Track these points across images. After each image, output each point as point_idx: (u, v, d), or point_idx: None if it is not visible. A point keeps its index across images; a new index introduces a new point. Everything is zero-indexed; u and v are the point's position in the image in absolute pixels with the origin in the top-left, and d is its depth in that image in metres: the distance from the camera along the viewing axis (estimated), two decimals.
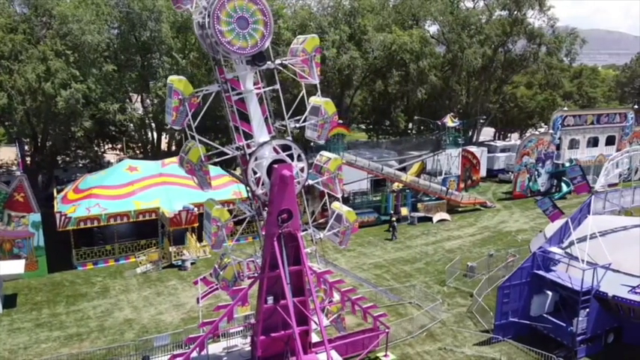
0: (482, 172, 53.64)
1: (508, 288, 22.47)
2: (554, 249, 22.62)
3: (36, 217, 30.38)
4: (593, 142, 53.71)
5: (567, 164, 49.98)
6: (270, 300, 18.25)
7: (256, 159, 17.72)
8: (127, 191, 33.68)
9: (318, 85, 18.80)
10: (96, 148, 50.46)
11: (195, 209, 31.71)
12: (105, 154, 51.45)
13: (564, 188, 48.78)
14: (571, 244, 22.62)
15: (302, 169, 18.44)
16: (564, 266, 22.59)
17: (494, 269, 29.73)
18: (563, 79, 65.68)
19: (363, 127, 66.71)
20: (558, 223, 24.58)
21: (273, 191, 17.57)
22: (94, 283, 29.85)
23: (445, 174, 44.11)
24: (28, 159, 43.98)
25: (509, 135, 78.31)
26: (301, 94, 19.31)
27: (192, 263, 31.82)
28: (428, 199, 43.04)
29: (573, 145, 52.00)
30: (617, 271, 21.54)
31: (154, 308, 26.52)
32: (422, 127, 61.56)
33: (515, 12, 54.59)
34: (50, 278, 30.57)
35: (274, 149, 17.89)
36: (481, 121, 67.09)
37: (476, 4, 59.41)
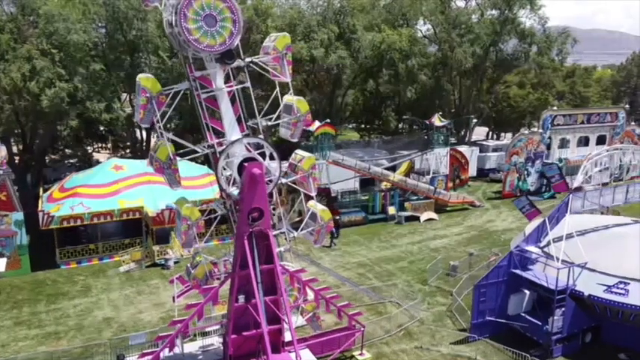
0: (473, 172, 53.59)
1: (485, 287, 22.46)
2: (531, 248, 22.59)
3: (19, 215, 30.36)
4: (584, 142, 53.68)
5: (558, 164, 50.00)
6: (242, 299, 18.24)
7: (227, 157, 17.69)
8: (112, 190, 33.64)
9: (291, 84, 18.77)
10: (87, 147, 50.57)
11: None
12: (94, 153, 51.48)
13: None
14: (548, 243, 22.58)
15: (274, 168, 18.40)
16: (541, 265, 22.57)
17: (476, 268, 29.75)
18: (556, 78, 65.65)
19: (354, 127, 66.59)
20: (537, 221, 24.55)
21: (244, 190, 17.55)
22: (76, 281, 29.83)
23: (433, 173, 44.07)
24: (17, 158, 43.98)
25: (503, 134, 78.32)
26: (275, 93, 19.27)
27: (175, 262, 31.78)
28: (416, 198, 43.01)
29: (564, 144, 51.97)
30: (594, 270, 21.50)
31: (134, 307, 26.50)
32: (414, 127, 61.62)
33: (506, 11, 54.53)
34: (33, 277, 30.56)
35: (247, 147, 17.85)
36: (474, 120, 67.13)
37: (468, 4, 59.54)
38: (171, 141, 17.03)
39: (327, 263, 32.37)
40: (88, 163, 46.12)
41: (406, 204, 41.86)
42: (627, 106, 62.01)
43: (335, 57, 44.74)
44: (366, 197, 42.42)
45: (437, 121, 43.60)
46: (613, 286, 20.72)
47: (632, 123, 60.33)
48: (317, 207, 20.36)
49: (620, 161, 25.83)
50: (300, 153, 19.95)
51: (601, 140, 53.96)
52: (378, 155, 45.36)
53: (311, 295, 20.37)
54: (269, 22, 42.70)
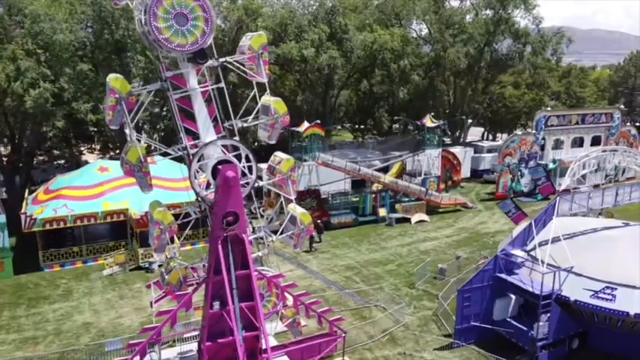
0: (466, 173, 53.17)
1: (469, 291, 22.00)
2: (516, 252, 22.13)
3: (1, 218, 29.92)
4: (579, 143, 53.21)
5: (551, 165, 49.58)
6: (217, 305, 17.75)
7: (202, 159, 17.23)
8: (97, 192, 33.18)
9: (267, 84, 18.29)
10: (76, 149, 50.06)
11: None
12: (83, 155, 51.00)
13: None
14: (535, 246, 22.12)
15: (250, 170, 17.93)
16: (527, 269, 22.09)
17: (464, 272, 29.29)
18: (551, 78, 65.16)
19: (349, 127, 66.11)
20: (525, 224, 24.09)
21: (218, 193, 17.08)
22: (59, 285, 29.37)
23: (425, 175, 43.60)
24: (5, 159, 43.48)
25: (499, 135, 77.89)
26: (252, 93, 18.81)
27: (159, 265, 31.23)
28: (407, 199, 42.56)
29: (558, 145, 51.51)
30: (580, 275, 21.03)
31: (114, 312, 26.04)
32: (409, 127, 61.12)
33: (500, 11, 54.06)
34: (15, 280, 30.13)
35: (222, 149, 17.38)
36: (469, 121, 66.64)
37: (463, 4, 59.04)
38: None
39: (315, 266, 31.92)
40: (76, 164, 45.64)
41: (397, 206, 41.44)
42: (622, 106, 61.30)
43: (326, 57, 44.26)
44: (357, 199, 41.97)
45: (428, 122, 43.14)
46: (599, 291, 20.25)
47: (628, 124, 59.71)
48: (297, 210, 19.88)
49: (609, 163, 25.35)
50: (279, 155, 19.46)
51: (596, 141, 53.52)
52: (371, 156, 44.97)
53: (291, 301, 19.91)
54: (259, 22, 42.23)
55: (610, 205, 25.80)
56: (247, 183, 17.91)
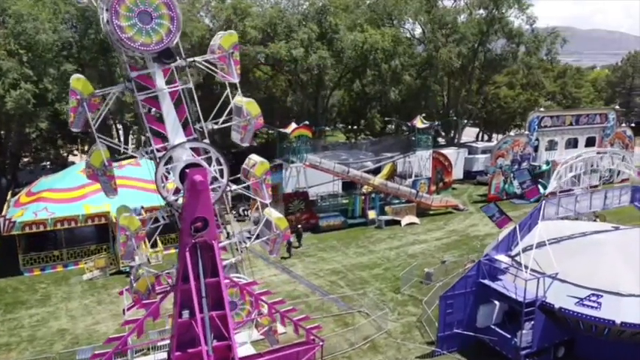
0: (459, 174, 52.55)
1: (452, 298, 21.37)
2: (500, 257, 21.51)
3: None
4: (573, 144, 52.55)
5: (544, 166, 48.97)
6: (186, 314, 17.13)
7: (171, 162, 16.62)
8: (78, 194, 32.53)
9: (238, 85, 17.67)
10: (64, 150, 49.43)
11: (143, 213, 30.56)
12: (75, 155, 50.36)
13: (541, 190, 47.58)
14: (519, 252, 21.51)
15: (221, 174, 17.32)
16: (511, 275, 21.48)
17: (450, 276, 28.67)
18: (546, 79, 64.52)
19: (342, 128, 65.48)
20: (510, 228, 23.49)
21: (186, 198, 16.48)
22: (37, 290, 28.75)
23: (416, 176, 42.97)
24: None
25: (495, 135, 77.20)
26: (225, 94, 18.18)
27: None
28: (397, 201, 41.93)
29: (552, 146, 50.87)
30: (565, 281, 20.40)
31: (91, 318, 25.43)
32: (403, 128, 60.49)
33: (494, 10, 53.44)
34: None
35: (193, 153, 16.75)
36: (464, 121, 66.02)
37: (456, 3, 58.39)
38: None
39: (300, 270, 31.30)
40: (62, 165, 45.00)
41: (387, 208, 40.80)
42: (617, 106, 60.67)
43: (315, 57, 43.63)
44: (347, 201, 41.33)
45: (419, 123, 42.50)
46: (585, 298, 19.63)
47: (623, 125, 59.06)
48: (272, 215, 19.28)
49: (597, 165, 24.72)
50: (253, 158, 18.85)
51: (590, 142, 52.90)
52: (363, 157, 44.23)
53: (266, 309, 19.29)
54: (247, 22, 41.60)
55: (599, 208, 25.20)
56: (219, 187, 17.37)
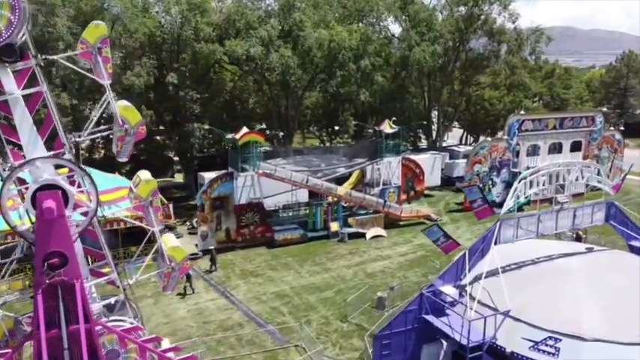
0: (436, 181, 49.41)
1: (388, 337, 18.22)
2: (445, 288, 18.34)
3: None
4: (558, 149, 49.35)
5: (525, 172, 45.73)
6: None
7: (18, 184, 13.54)
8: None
9: (108, 86, 14.49)
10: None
11: None
12: None
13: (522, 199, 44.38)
14: (467, 282, 18.38)
15: (89, 198, 14.18)
16: (461, 309, 18.31)
17: (407, 300, 25.43)
18: (532, 79, 61.34)
19: (316, 131, 62.23)
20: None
21: (37, 228, 13.34)
22: None
23: (384, 184, 39.79)
24: None
25: (482, 138, 74.07)
26: (104, 99, 15.02)
27: None
28: (364, 212, 38.73)
29: (534, 151, 47.69)
30: (519, 320, 17.24)
31: None
32: (369, 131, 57.25)
33: (474, 8, 50.31)
34: None
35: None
36: (446, 124, 62.91)
37: (438, 1, 55.31)
38: None
39: (242, 294, 28.12)
40: None
41: (350, 219, 37.61)
42: (605, 108, 57.51)
43: (276, 56, 40.46)
44: (306, 212, 38.17)
45: (387, 127, 39.31)
46: (540, 342, 16.46)
47: (611, 128, 55.92)
48: (169, 243, 16.13)
49: (564, 180, 21.56)
50: (139, 175, 15.64)
51: (576, 147, 49.76)
52: (336, 163, 40.96)
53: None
54: (199, 18, 38.40)
55: (566, 228, 22.04)
56: (87, 213, 14.25)
